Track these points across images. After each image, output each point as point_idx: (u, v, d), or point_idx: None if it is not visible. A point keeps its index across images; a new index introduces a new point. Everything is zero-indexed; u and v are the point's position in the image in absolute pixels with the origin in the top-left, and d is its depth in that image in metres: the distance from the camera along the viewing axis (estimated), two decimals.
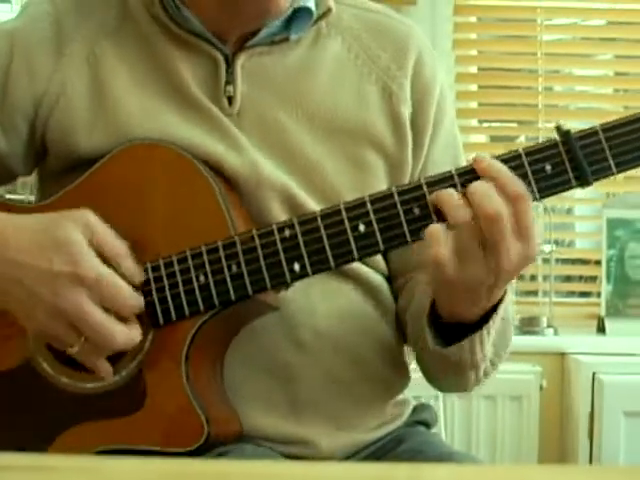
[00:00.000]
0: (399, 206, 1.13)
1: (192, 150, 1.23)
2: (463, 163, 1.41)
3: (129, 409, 1.18)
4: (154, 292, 1.18)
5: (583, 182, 1.11)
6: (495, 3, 2.84)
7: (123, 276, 1.15)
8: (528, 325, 2.66)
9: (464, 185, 1.11)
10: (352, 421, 1.31)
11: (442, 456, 1.31)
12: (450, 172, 1.12)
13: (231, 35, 1.30)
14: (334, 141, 1.30)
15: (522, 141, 2.96)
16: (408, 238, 1.14)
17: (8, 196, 1.63)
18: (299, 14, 1.31)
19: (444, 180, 1.13)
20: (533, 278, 2.81)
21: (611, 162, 1.11)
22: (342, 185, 1.29)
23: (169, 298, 1.17)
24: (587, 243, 3.05)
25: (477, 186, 1.09)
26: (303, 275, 1.16)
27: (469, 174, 1.12)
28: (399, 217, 1.13)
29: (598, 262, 2.73)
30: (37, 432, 1.22)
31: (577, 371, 2.54)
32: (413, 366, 1.41)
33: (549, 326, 2.67)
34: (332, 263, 1.15)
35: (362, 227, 1.14)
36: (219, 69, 1.29)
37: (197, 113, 1.28)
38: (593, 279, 2.83)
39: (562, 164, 1.11)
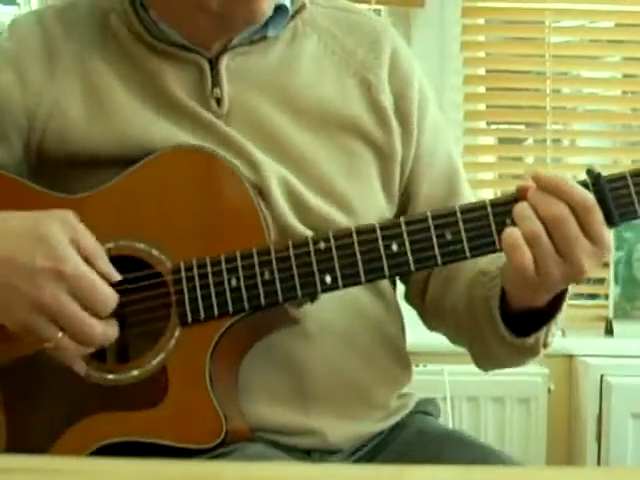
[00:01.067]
0: (432, 230, 1.17)
1: None
2: (455, 152, 1.48)
3: (149, 403, 1.20)
4: (185, 290, 1.20)
5: (610, 223, 1.15)
6: (503, 5, 2.84)
7: (100, 275, 1.17)
8: None
9: (497, 215, 1.17)
10: (358, 412, 1.33)
11: (446, 435, 1.35)
12: (484, 202, 1.17)
13: (211, 43, 1.34)
14: (322, 133, 1.34)
15: (530, 143, 2.96)
16: (439, 261, 1.18)
17: None
18: (275, 12, 1.33)
19: (477, 209, 1.18)
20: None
21: (637, 207, 1.16)
22: (334, 174, 1.33)
23: (199, 298, 1.20)
24: None
25: (537, 195, 1.15)
26: (334, 287, 1.19)
27: (503, 206, 1.17)
28: (431, 240, 1.17)
29: (606, 264, 2.72)
30: (54, 418, 1.24)
31: (585, 373, 2.54)
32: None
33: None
34: (363, 278, 1.19)
35: (395, 247, 1.18)
36: (204, 73, 1.32)
37: (189, 119, 1.30)
38: (601, 281, 2.82)
39: None
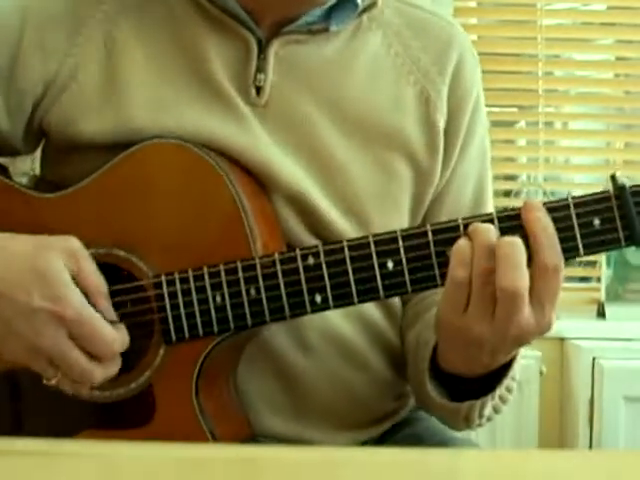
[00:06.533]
0: (432, 247, 1.07)
1: (210, 143, 1.18)
2: (488, 173, 1.37)
3: (137, 422, 1.16)
4: (168, 308, 1.14)
5: (633, 242, 1.05)
6: None
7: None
8: None
9: (504, 232, 1.04)
10: (355, 421, 1.30)
11: (442, 442, 1.31)
12: (491, 215, 1.06)
13: (268, 17, 1.24)
14: (364, 144, 1.25)
15: (522, 126, 2.96)
16: (438, 282, 1.08)
17: None
18: (343, 5, 1.24)
19: (482, 223, 1.06)
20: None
21: None
22: (365, 191, 1.24)
23: (183, 317, 1.13)
24: None
25: (506, 248, 1.01)
26: (324, 308, 1.11)
27: (512, 220, 1.06)
28: (431, 259, 1.07)
29: None
30: (42, 435, 1.20)
31: (577, 356, 2.54)
32: None
33: None
34: (356, 299, 1.10)
35: (390, 265, 1.08)
36: (250, 54, 1.23)
37: (219, 102, 1.21)
38: (593, 264, 2.82)
39: (612, 220, 1.05)
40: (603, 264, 2.66)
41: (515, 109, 2.95)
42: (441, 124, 1.28)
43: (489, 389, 1.16)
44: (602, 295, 2.66)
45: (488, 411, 1.19)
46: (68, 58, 1.23)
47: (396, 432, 1.35)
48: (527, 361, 2.52)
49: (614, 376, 2.48)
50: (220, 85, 1.22)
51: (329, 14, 1.25)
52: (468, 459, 0.75)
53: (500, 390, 1.16)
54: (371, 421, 1.33)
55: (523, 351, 1.19)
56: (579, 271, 2.90)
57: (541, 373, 2.55)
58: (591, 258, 2.82)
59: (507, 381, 1.16)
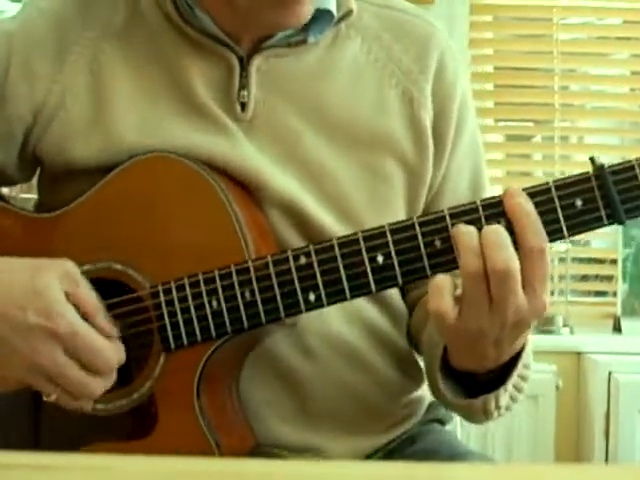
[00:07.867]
0: (420, 238, 1.07)
1: (199, 158, 1.19)
2: (484, 166, 1.38)
3: (140, 433, 1.16)
4: (166, 316, 1.14)
5: (615, 220, 1.05)
6: (511, 2, 2.84)
7: (99, 330, 1.10)
8: (544, 324, 2.65)
9: (489, 219, 1.05)
10: (363, 426, 1.29)
11: (456, 456, 1.31)
12: (476, 204, 1.06)
13: (247, 36, 1.25)
14: (351, 150, 1.25)
15: (538, 140, 2.96)
16: (428, 272, 1.08)
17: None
18: (319, 16, 1.25)
19: (469, 212, 1.07)
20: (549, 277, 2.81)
21: None
22: (357, 196, 1.25)
23: (181, 323, 1.14)
24: (603, 242, 3.05)
25: (491, 235, 1.02)
26: (318, 306, 1.11)
27: (496, 207, 1.06)
28: (419, 250, 1.07)
29: (614, 261, 2.73)
30: (58, 449, 1.20)
31: (593, 370, 2.54)
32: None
33: (565, 325, 2.67)
34: (348, 295, 1.10)
35: (380, 259, 1.08)
36: (233, 73, 1.24)
37: (205, 121, 1.23)
38: (609, 278, 2.82)
39: (594, 200, 1.05)
40: (619, 279, 2.66)
41: (531, 123, 2.96)
42: (427, 122, 1.29)
43: (502, 381, 1.15)
44: (618, 310, 2.66)
45: (505, 401, 1.18)
46: (54, 85, 1.24)
47: (407, 446, 1.34)
48: (543, 375, 2.52)
49: (630, 390, 2.47)
50: (205, 105, 1.23)
51: (306, 26, 1.25)
52: (483, 473, 0.75)
53: (513, 380, 1.16)
54: (380, 427, 1.31)
55: (539, 366, 1.18)
56: (595, 285, 2.90)
57: (557, 387, 2.55)
58: (607, 273, 2.82)
59: (518, 370, 1.15)
